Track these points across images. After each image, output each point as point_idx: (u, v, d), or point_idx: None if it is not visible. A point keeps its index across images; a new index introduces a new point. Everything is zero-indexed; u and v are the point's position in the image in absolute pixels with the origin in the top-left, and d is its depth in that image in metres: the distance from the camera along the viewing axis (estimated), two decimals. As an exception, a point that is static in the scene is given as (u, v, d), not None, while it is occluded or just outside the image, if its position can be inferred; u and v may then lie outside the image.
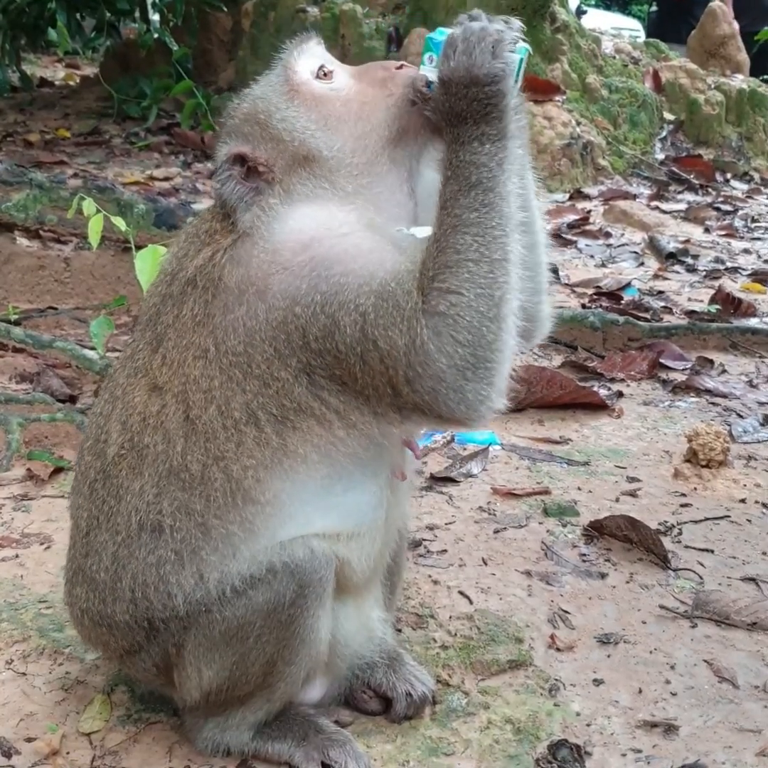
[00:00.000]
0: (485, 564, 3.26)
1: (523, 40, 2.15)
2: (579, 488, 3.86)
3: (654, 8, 18.78)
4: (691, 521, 3.59)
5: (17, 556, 3.25)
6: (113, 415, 2.28)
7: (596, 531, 3.45)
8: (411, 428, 2.23)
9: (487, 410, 2.09)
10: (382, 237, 2.16)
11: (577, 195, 9.65)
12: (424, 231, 2.17)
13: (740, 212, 9.71)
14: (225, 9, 11.87)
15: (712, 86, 12.09)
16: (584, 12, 17.96)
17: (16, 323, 5.22)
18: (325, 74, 2.25)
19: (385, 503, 2.33)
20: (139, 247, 4.10)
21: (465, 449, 4.17)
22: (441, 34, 2.15)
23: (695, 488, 3.87)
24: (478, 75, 2.05)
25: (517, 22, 2.17)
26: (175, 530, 2.17)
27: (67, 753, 2.38)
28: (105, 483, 2.26)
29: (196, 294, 2.16)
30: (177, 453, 2.16)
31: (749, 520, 3.62)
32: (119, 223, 4.13)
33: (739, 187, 11.04)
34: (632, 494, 3.82)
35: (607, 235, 8.41)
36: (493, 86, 2.06)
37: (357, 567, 2.34)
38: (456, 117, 2.09)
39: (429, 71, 2.15)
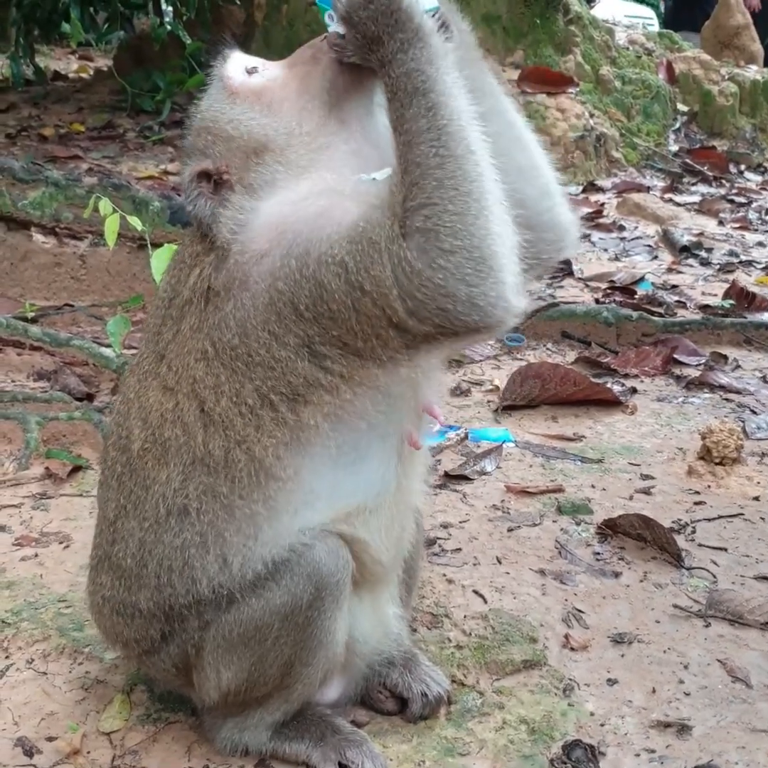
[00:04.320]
0: (499, 563, 3.29)
1: None
2: (593, 486, 3.88)
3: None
4: (705, 519, 3.60)
5: (37, 555, 3.28)
6: (131, 413, 2.33)
7: (610, 529, 3.47)
8: (419, 362, 2.15)
9: (505, 311, 1.98)
10: (344, 192, 2.14)
11: (591, 188, 9.62)
12: (385, 173, 2.15)
13: (754, 204, 9.68)
14: (238, 2, 11.86)
15: (726, 77, 12.04)
16: (593, 0, 17.78)
17: (33, 321, 5.26)
18: (257, 71, 2.28)
19: (394, 471, 2.31)
20: (154, 245, 4.14)
21: (479, 447, 4.19)
22: None
23: (709, 486, 3.88)
24: None
25: None
26: (201, 513, 2.21)
27: (88, 752, 2.41)
28: (132, 475, 2.31)
29: (192, 309, 2.22)
30: (198, 443, 2.20)
31: (763, 518, 3.63)
32: (135, 222, 4.15)
33: (753, 179, 11.00)
34: (646, 492, 3.83)
35: (621, 228, 8.40)
36: None
37: (374, 546, 2.34)
38: (372, 42, 2.07)
39: (335, 26, 2.18)
